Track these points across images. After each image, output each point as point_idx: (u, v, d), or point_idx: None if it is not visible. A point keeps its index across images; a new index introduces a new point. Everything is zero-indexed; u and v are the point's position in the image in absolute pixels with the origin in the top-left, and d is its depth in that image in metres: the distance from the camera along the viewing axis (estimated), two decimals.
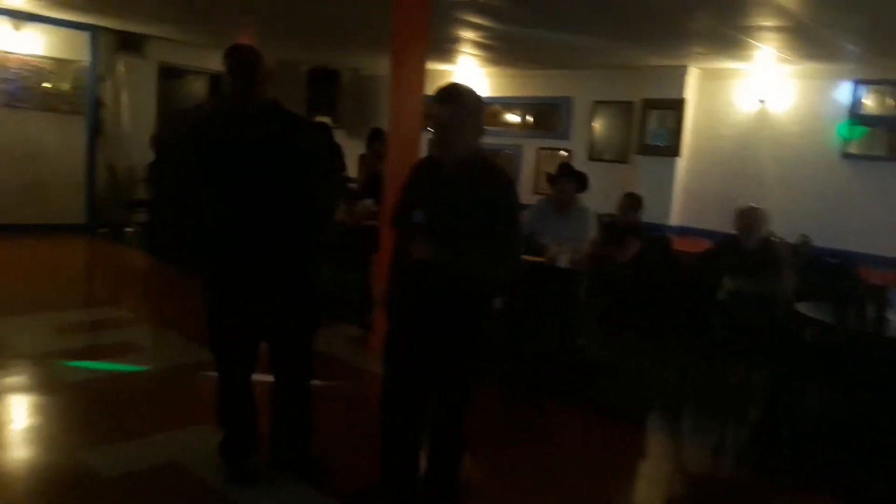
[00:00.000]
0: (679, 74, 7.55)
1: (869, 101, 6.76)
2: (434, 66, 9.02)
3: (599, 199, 6.14)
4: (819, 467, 3.84)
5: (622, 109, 8.11)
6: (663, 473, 3.94)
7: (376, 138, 6.84)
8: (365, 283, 5.77)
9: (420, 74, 5.21)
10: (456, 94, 2.62)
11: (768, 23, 5.39)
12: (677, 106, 7.57)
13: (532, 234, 5.45)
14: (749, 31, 5.71)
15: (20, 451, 3.37)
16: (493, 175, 2.68)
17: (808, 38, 5.76)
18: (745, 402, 4.62)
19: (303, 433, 3.19)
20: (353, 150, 7.54)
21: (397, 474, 2.95)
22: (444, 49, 7.94)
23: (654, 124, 7.75)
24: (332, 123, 7.96)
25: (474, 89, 2.72)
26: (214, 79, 10.00)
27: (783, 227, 6.40)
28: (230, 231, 2.91)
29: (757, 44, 6.14)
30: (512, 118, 9.34)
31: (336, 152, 5.98)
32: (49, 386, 4.14)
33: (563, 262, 5.06)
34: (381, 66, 9.53)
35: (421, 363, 2.74)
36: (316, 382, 3.22)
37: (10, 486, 3.02)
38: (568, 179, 5.47)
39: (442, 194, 2.64)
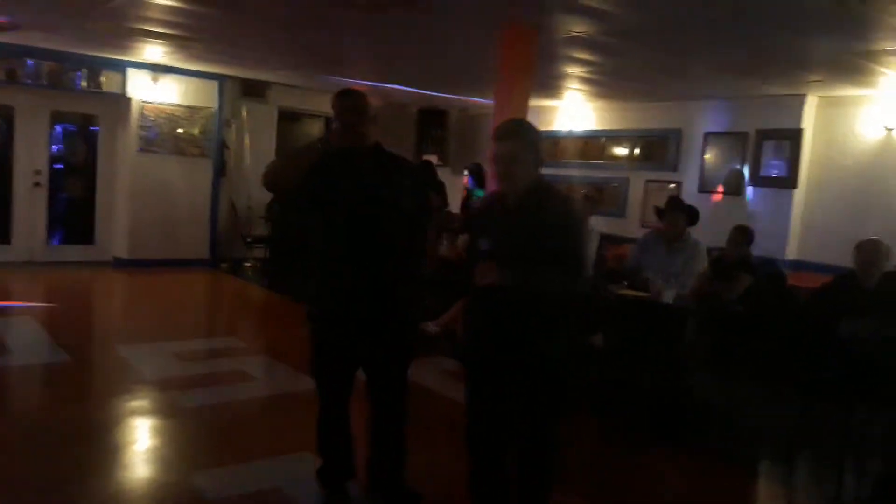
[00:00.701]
0: (797, 104, 7.20)
1: None
2: (540, 102, 9.09)
3: (710, 233, 5.92)
4: None
5: (735, 140, 7.81)
6: None
7: (479, 174, 6.97)
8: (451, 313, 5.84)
9: (523, 111, 5.27)
10: (516, 130, 2.77)
11: (894, 46, 5.09)
12: (794, 136, 7.21)
13: (637, 269, 5.34)
14: (873, 55, 5.39)
15: (137, 471, 3.61)
16: (554, 199, 2.78)
17: None
18: (866, 450, 4.27)
19: (397, 461, 3.23)
20: (458, 188, 7.69)
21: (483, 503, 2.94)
22: (550, 85, 7.96)
23: (770, 155, 7.42)
24: (439, 161, 8.15)
25: (532, 124, 2.88)
26: (329, 121, 10.49)
27: None
28: (333, 264, 3.05)
29: (881, 69, 5.79)
30: (619, 151, 9.20)
31: (438, 189, 6.12)
32: (167, 410, 4.41)
33: (669, 297, 4.92)
34: (486, 106, 9.70)
35: (502, 394, 2.75)
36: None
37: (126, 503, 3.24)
38: (677, 213, 5.34)
39: (505, 222, 2.74)
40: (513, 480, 2.88)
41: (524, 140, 2.72)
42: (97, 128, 9.41)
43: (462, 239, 6.01)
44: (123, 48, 7.82)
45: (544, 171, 2.82)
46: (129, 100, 8.91)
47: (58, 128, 9.23)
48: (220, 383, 5.01)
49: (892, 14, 4.27)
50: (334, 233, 3.04)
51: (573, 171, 9.27)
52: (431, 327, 5.96)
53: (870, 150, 6.93)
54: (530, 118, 5.04)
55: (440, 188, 7.13)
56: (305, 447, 3.68)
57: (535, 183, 2.73)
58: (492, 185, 4.94)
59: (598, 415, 4.78)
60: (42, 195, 8.90)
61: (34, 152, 8.81)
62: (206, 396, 4.66)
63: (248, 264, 9.84)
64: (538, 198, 2.71)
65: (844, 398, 4.14)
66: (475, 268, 2.71)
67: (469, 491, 2.96)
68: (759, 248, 5.73)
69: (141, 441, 4.00)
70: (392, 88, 9.15)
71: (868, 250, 4.42)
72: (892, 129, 6.76)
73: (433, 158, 8.31)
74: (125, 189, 9.13)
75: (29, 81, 8.33)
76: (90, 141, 9.51)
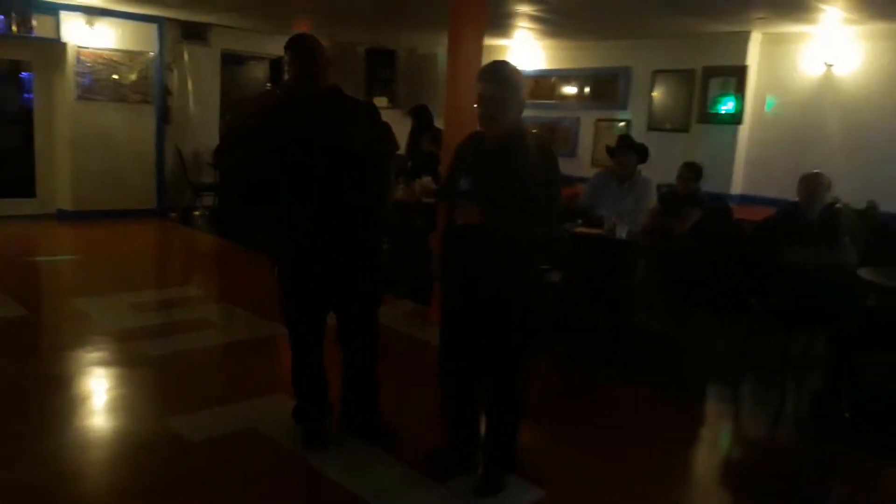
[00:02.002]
0: (741, 40, 7.38)
1: None
2: (490, 41, 9.03)
3: (660, 169, 6.09)
4: (882, 433, 3.80)
5: (682, 78, 7.97)
6: (721, 442, 3.96)
7: (423, 116, 6.91)
8: (422, 258, 5.89)
9: (478, 51, 5.25)
10: (498, 72, 2.78)
11: None
12: (739, 73, 7.41)
13: (591, 207, 5.48)
14: None
15: (110, 420, 3.63)
16: (532, 146, 2.80)
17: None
18: (806, 370, 4.57)
19: (371, 400, 3.33)
20: (406, 129, 7.65)
21: (458, 438, 3.10)
22: (500, 24, 7.93)
23: (716, 92, 7.61)
24: (388, 103, 8.08)
25: (515, 66, 2.87)
26: (274, 64, 10.24)
27: (851, 193, 6.24)
28: (301, 211, 3.06)
29: (822, 5, 5.95)
30: (569, 90, 9.28)
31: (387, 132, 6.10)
32: (134, 360, 4.39)
33: (622, 233, 5.08)
34: (436, 44, 9.58)
35: (474, 329, 2.86)
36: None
37: (103, 450, 3.28)
38: (628, 151, 5.46)
39: (485, 165, 2.78)
40: (483, 411, 3.03)
41: (509, 83, 2.75)
42: (25, 74, 8.97)
43: (421, 182, 6.04)
44: None
45: None
46: (63, 45, 8.49)
47: None
48: (182, 331, 5.02)
49: None
50: (298, 178, 3.03)
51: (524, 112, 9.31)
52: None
53: (810, 86, 7.18)
54: (483, 58, 5.07)
55: (388, 130, 7.07)
56: (277, 389, 3.77)
57: (514, 127, 2.77)
58: (456, 125, 4.94)
59: (554, 347, 4.97)
60: None
61: None
62: (170, 345, 4.67)
63: (198, 213, 9.68)
64: (518, 142, 2.75)
65: (786, 321, 4.40)
66: (455, 207, 2.76)
67: (443, 422, 3.10)
68: (706, 184, 5.94)
69: (111, 390, 3.99)
70: (338, 28, 8.95)
71: (810, 183, 4.63)
72: (831, 66, 7.00)
73: (383, 100, 8.21)
74: (65, 138, 8.79)
75: None
76: (21, 88, 9.09)
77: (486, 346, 2.87)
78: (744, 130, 7.56)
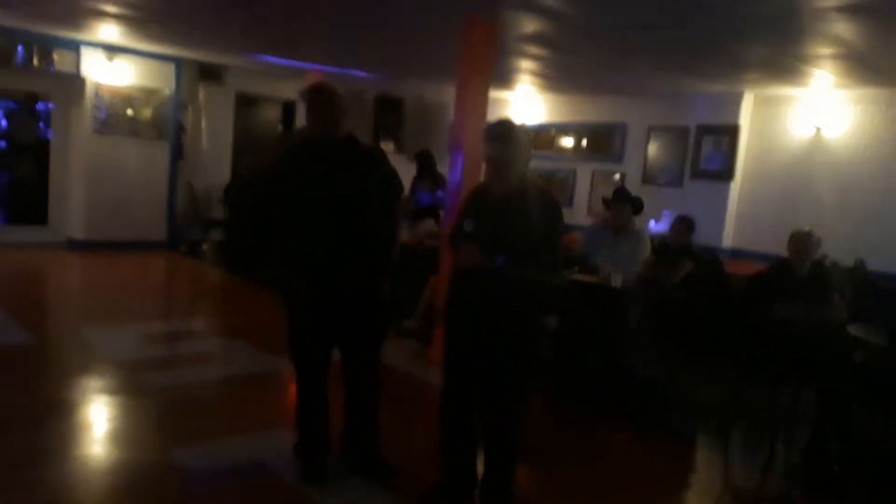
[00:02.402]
0: (734, 101, 7.67)
1: None
2: (494, 93, 9.34)
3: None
4: (867, 488, 3.90)
5: (676, 134, 8.25)
6: (711, 490, 4.02)
7: (427, 161, 7.17)
8: (425, 300, 6.06)
9: (483, 102, 5.50)
10: (507, 132, 2.97)
11: (825, 50, 5.49)
12: (732, 131, 7.69)
13: (587, 256, 5.67)
14: (805, 58, 5.81)
15: (112, 449, 3.70)
16: (537, 194, 3.00)
17: (865, 65, 5.82)
18: (795, 423, 4.68)
19: (371, 435, 3.46)
20: (411, 174, 7.89)
21: (455, 477, 3.20)
22: (504, 78, 8.23)
23: (709, 149, 7.88)
24: (394, 148, 8.33)
25: (522, 125, 3.06)
26: (286, 106, 10.54)
27: (839, 250, 6.42)
28: (312, 249, 3.21)
29: (813, 70, 6.23)
30: (567, 142, 9.56)
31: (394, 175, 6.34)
32: (138, 390, 4.50)
33: (616, 282, 5.25)
34: (442, 94, 9.89)
35: (475, 369, 3.01)
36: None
37: (104, 480, 3.35)
38: (623, 203, 5.66)
39: (490, 212, 2.97)
40: (481, 450, 3.14)
41: (516, 144, 2.95)
42: (43, 105, 9.25)
43: (424, 225, 6.23)
44: (78, 26, 7.74)
45: None
46: (83, 80, 8.81)
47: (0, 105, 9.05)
48: (186, 364, 5.15)
49: (821, 20, 4.65)
50: (308, 219, 3.19)
51: None
52: (411, 324, 6.16)
53: (801, 147, 7.43)
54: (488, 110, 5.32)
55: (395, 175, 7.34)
56: (279, 423, 3.88)
57: (521, 180, 2.97)
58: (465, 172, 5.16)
59: (550, 391, 5.10)
60: None
61: None
62: (174, 377, 4.79)
63: (206, 247, 9.88)
64: (522, 194, 2.95)
65: (776, 375, 4.52)
66: (459, 248, 2.95)
67: (440, 459, 3.23)
68: (698, 237, 6.13)
69: (114, 419, 4.08)
70: (349, 75, 9.26)
71: (800, 240, 4.80)
72: (821, 128, 7.26)
73: (389, 146, 8.46)
74: (80, 170, 9.06)
75: None
76: (38, 119, 9.37)
77: (486, 386, 3.01)
78: (735, 187, 7.81)
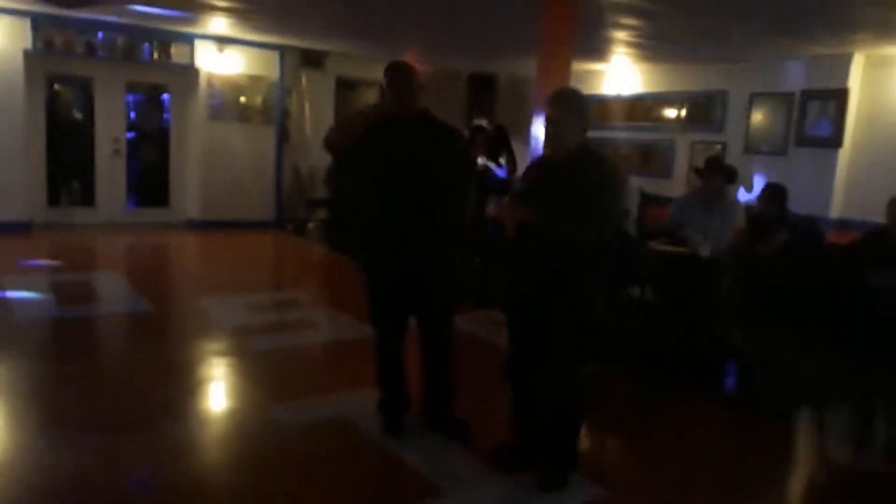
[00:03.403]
0: (843, 63, 7.24)
1: None
2: (588, 65, 9.26)
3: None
4: None
5: (780, 101, 7.90)
6: (804, 467, 3.93)
7: (504, 138, 7.41)
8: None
9: (565, 77, 5.53)
10: (565, 98, 3.12)
11: None
12: (840, 96, 7.27)
13: (677, 226, 5.60)
14: None
15: (220, 403, 4.17)
16: (594, 160, 3.09)
17: None
18: (892, 396, 4.50)
19: (447, 396, 3.65)
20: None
21: (525, 434, 3.33)
22: (596, 49, 8.15)
23: (815, 115, 7.50)
24: (488, 124, 8.45)
25: (580, 92, 3.20)
26: (384, 88, 10.82)
27: None
28: (383, 221, 3.41)
29: None
30: (665, 112, 9.34)
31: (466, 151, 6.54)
32: (244, 353, 4.93)
33: (706, 252, 5.18)
34: (533, 69, 9.87)
35: (538, 327, 3.12)
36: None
37: (215, 427, 3.79)
38: (715, 173, 5.55)
39: (547, 176, 3.11)
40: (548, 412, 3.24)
41: (572, 107, 3.08)
42: (165, 95, 10.01)
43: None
44: (191, 21, 8.31)
45: (594, 133, 3.14)
46: (197, 70, 9.47)
47: (129, 97, 9.83)
48: (290, 330, 5.55)
49: None
50: (382, 191, 3.38)
51: (621, 134, 9.46)
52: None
53: None
54: (578, 83, 5.33)
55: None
56: (367, 383, 4.13)
57: (579, 146, 3.07)
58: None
59: (638, 363, 5.11)
60: (121, 161, 9.58)
61: (112, 121, 9.46)
62: (278, 341, 5.18)
63: (311, 225, 10.40)
64: (579, 158, 3.05)
65: (871, 349, 4.35)
66: (505, 205, 3.12)
67: (510, 419, 3.38)
68: (802, 207, 5.89)
69: (222, 378, 4.53)
70: (443, 54, 9.45)
71: None
72: None
73: (483, 122, 8.58)
74: (196, 155, 9.76)
75: (103, 53, 8.90)
76: (160, 109, 10.14)
77: (546, 345, 3.12)
78: (844, 154, 7.40)
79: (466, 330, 3.69)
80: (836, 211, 7.43)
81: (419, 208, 3.35)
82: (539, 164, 3.31)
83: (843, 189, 7.45)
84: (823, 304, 4.86)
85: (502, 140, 7.87)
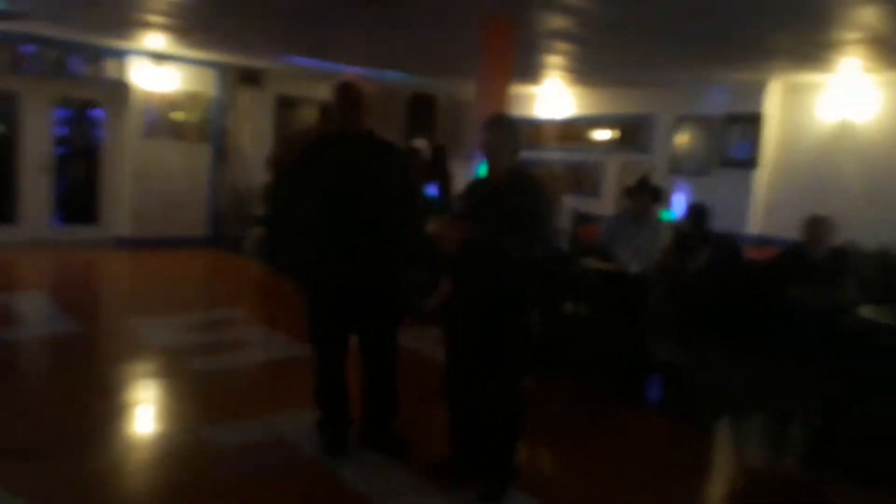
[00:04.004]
0: (758, 89, 7.69)
1: None
2: (522, 88, 9.48)
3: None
4: (881, 469, 3.88)
5: (704, 124, 8.29)
6: (724, 470, 4.10)
7: (441, 157, 7.52)
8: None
9: (503, 99, 5.68)
10: (498, 121, 3.33)
11: (850, 36, 5.45)
12: (757, 119, 7.71)
13: (607, 244, 5.80)
14: (830, 45, 5.78)
15: (152, 424, 4.08)
16: (525, 180, 3.28)
17: (892, 49, 5.76)
18: (809, 404, 4.73)
19: (388, 412, 3.67)
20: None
21: (464, 451, 3.40)
22: (530, 72, 8.36)
23: (736, 138, 7.90)
24: (427, 145, 8.55)
25: (512, 117, 3.47)
26: (324, 106, 10.81)
27: (867, 237, 6.40)
28: (326, 237, 3.42)
29: (839, 57, 6.19)
30: (596, 135, 9.66)
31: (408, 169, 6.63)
32: (177, 374, 4.83)
33: (635, 268, 5.38)
34: (472, 91, 10.04)
35: (476, 343, 3.22)
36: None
37: (142, 452, 3.68)
38: (643, 193, 5.79)
39: (484, 194, 3.28)
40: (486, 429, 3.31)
41: (504, 131, 3.26)
42: (95, 111, 9.75)
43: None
44: (125, 36, 8.15)
45: (529, 154, 3.31)
46: (130, 86, 9.26)
47: (58, 112, 9.54)
48: (224, 350, 5.46)
49: (846, 6, 4.65)
50: (328, 205, 3.38)
51: (554, 154, 9.72)
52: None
53: (827, 134, 7.39)
54: (513, 105, 5.46)
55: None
56: (305, 403, 4.09)
57: (513, 166, 3.24)
58: None
59: (571, 375, 5.24)
60: (48, 177, 9.27)
61: (39, 136, 9.17)
62: (212, 361, 5.10)
63: (246, 242, 10.24)
64: (513, 178, 3.22)
65: (790, 358, 4.58)
66: (444, 223, 3.23)
67: (450, 434, 3.44)
68: (723, 224, 6.19)
69: (152, 400, 4.42)
70: (384, 74, 9.51)
71: (814, 225, 4.85)
72: (848, 114, 7.19)
73: (422, 142, 8.68)
74: (129, 171, 9.51)
75: (30, 67, 8.60)
76: (89, 124, 9.87)
77: (486, 359, 3.20)
78: (762, 174, 7.82)
79: (409, 346, 3.71)
80: (755, 228, 7.81)
81: (365, 222, 3.39)
82: (477, 184, 3.45)
83: (763, 207, 7.86)
84: (748, 316, 5.10)
85: (439, 161, 7.96)
